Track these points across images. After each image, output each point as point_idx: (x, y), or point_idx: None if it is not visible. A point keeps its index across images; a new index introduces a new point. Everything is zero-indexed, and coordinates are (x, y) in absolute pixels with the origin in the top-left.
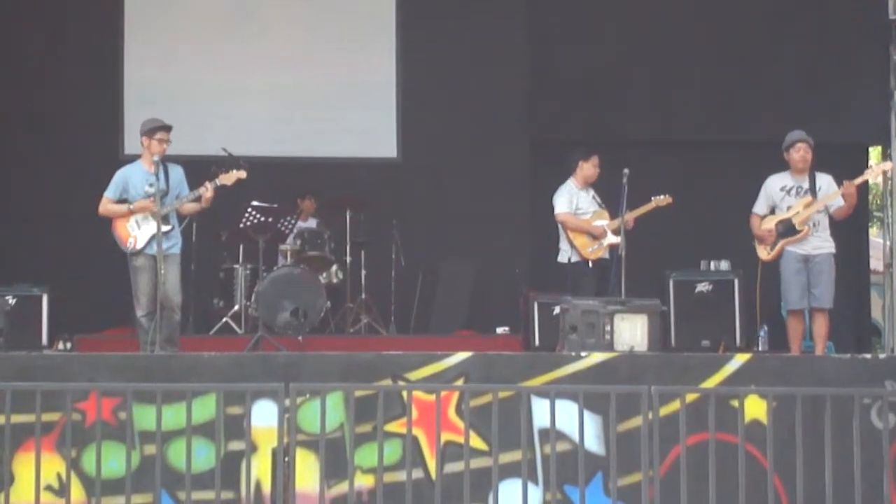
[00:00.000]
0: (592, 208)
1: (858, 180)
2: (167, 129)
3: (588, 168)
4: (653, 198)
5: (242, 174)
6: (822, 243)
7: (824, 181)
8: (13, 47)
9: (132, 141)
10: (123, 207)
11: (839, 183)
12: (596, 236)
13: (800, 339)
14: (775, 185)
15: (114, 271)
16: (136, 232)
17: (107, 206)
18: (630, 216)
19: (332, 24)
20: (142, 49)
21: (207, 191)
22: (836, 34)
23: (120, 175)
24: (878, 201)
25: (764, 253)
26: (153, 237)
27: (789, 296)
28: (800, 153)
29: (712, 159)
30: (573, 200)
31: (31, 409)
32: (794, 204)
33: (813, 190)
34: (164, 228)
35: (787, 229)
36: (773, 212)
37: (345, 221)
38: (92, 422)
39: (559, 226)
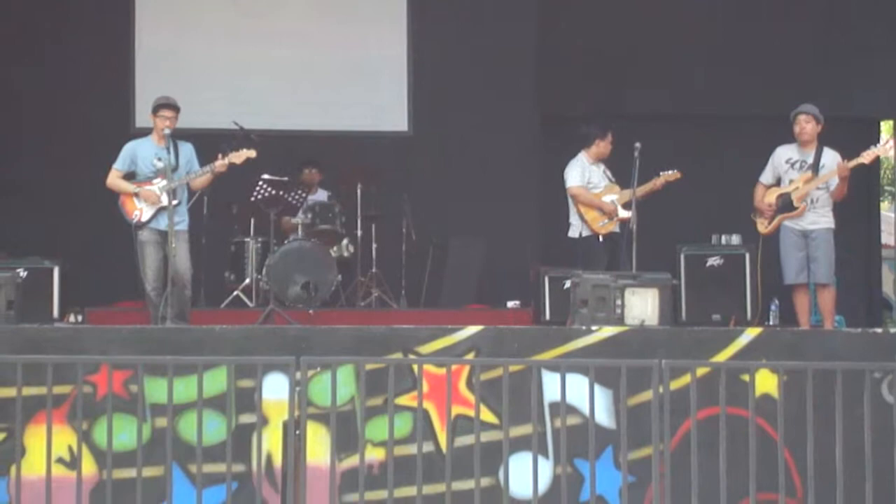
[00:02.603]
0: (604, 183)
1: (853, 163)
2: (170, 107)
3: (604, 145)
4: (661, 173)
5: (252, 153)
6: (819, 219)
7: (829, 158)
8: (23, 19)
9: (143, 114)
10: (130, 188)
11: (848, 158)
12: (607, 212)
13: (807, 312)
14: (782, 157)
15: (125, 244)
16: (142, 204)
17: (115, 180)
18: (640, 191)
19: None
20: (153, 22)
21: (223, 166)
22: (848, 8)
23: (129, 148)
24: (889, 176)
25: (762, 226)
26: (158, 211)
27: (787, 270)
28: (799, 125)
29: (724, 134)
30: (585, 174)
31: (42, 381)
32: (796, 179)
33: (816, 166)
34: (173, 203)
35: (786, 204)
36: (779, 182)
37: (356, 195)
38: (103, 394)
39: (570, 200)
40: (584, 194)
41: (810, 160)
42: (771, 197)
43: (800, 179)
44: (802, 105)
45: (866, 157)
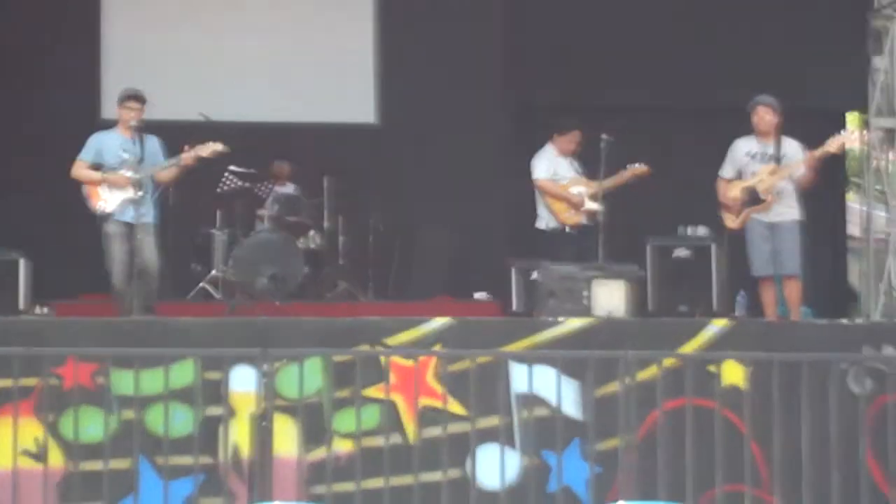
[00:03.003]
0: (570, 174)
1: (819, 152)
2: (135, 98)
3: (563, 142)
4: (628, 166)
5: (219, 146)
6: (785, 210)
7: (790, 148)
8: None
9: (109, 104)
10: (96, 175)
11: (812, 148)
12: (574, 204)
13: (773, 304)
14: (741, 150)
15: (91, 236)
16: (107, 195)
17: (80, 170)
18: (607, 183)
19: None
20: (119, 11)
21: (190, 158)
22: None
23: (94, 139)
24: (855, 167)
25: (730, 221)
26: (124, 202)
27: (754, 262)
28: (757, 116)
29: (691, 125)
30: (551, 166)
31: (8, 374)
32: (759, 171)
33: (777, 156)
34: (138, 194)
35: (752, 197)
36: (739, 176)
37: (322, 187)
38: (70, 387)
39: (537, 191)
40: (551, 186)
41: (771, 151)
42: (735, 191)
43: (764, 171)
44: (760, 96)
45: (832, 146)
